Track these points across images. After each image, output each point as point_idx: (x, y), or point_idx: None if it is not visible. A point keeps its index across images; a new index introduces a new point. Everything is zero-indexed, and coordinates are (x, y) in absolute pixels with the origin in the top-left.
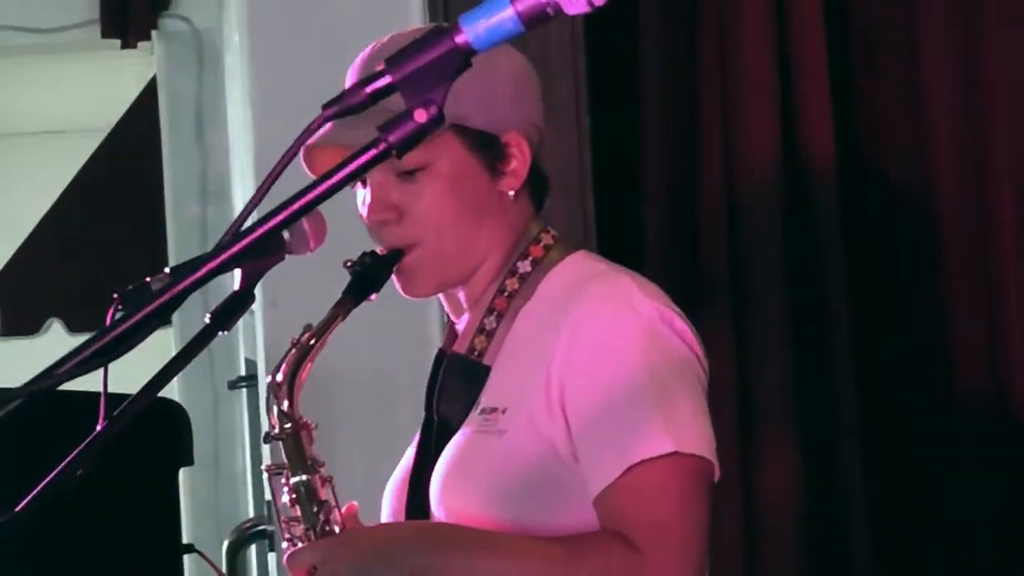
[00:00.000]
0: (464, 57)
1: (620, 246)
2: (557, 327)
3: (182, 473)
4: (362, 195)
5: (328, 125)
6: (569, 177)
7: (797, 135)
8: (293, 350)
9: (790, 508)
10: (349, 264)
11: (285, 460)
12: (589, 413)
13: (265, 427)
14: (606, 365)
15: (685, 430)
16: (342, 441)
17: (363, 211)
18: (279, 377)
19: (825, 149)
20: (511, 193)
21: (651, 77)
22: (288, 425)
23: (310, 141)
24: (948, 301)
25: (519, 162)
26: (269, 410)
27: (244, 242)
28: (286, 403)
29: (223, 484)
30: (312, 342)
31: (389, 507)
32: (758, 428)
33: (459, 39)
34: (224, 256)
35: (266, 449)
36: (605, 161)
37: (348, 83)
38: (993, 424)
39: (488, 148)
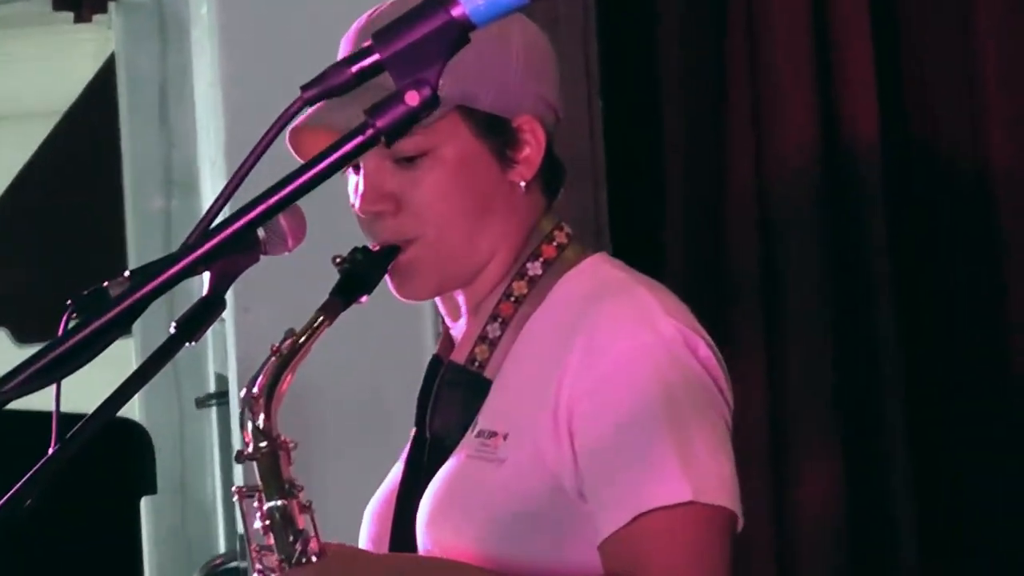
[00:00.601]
0: (461, 32)
1: (636, 243)
2: (568, 344)
3: (144, 502)
4: (354, 182)
5: (319, 104)
6: (579, 166)
7: (837, 116)
8: (272, 358)
9: (829, 525)
10: (338, 261)
11: (259, 482)
12: (599, 447)
13: (238, 446)
14: (620, 393)
15: (706, 475)
16: (323, 462)
17: (355, 201)
18: (255, 389)
19: (869, 132)
20: (522, 184)
21: (671, 52)
22: (264, 444)
23: (298, 122)
24: (1005, 296)
25: (532, 149)
26: (243, 426)
27: (214, 241)
28: (262, 418)
29: (190, 514)
30: (294, 350)
31: (369, 530)
32: (793, 440)
33: (455, 12)
34: (191, 257)
35: (238, 472)
36: (619, 148)
37: (341, 56)
38: None
39: (498, 133)
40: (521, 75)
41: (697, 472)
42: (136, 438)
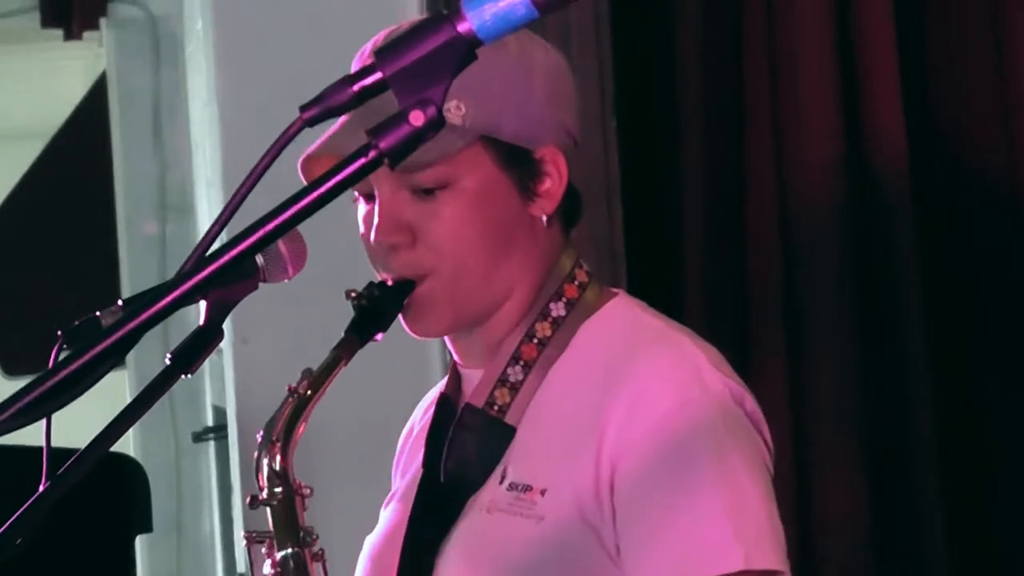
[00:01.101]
0: (468, 48)
1: (653, 265)
2: (610, 395)
3: (139, 541)
4: (363, 211)
5: (337, 125)
6: (593, 186)
7: (862, 131)
8: (290, 399)
9: (855, 546)
10: (353, 296)
11: (271, 528)
12: (643, 505)
13: (236, 481)
14: (668, 449)
15: (758, 539)
16: (327, 507)
17: (366, 230)
18: (274, 433)
19: (895, 146)
20: (544, 218)
21: (689, 67)
22: (279, 489)
23: (311, 149)
24: None
25: (554, 182)
26: (259, 469)
27: (210, 268)
28: (279, 461)
29: (187, 553)
30: (313, 390)
31: (366, 573)
32: (817, 459)
33: (461, 27)
34: (187, 285)
35: (237, 510)
36: (635, 166)
37: None
38: None
39: (521, 164)
40: (543, 103)
41: (750, 536)
42: (131, 474)
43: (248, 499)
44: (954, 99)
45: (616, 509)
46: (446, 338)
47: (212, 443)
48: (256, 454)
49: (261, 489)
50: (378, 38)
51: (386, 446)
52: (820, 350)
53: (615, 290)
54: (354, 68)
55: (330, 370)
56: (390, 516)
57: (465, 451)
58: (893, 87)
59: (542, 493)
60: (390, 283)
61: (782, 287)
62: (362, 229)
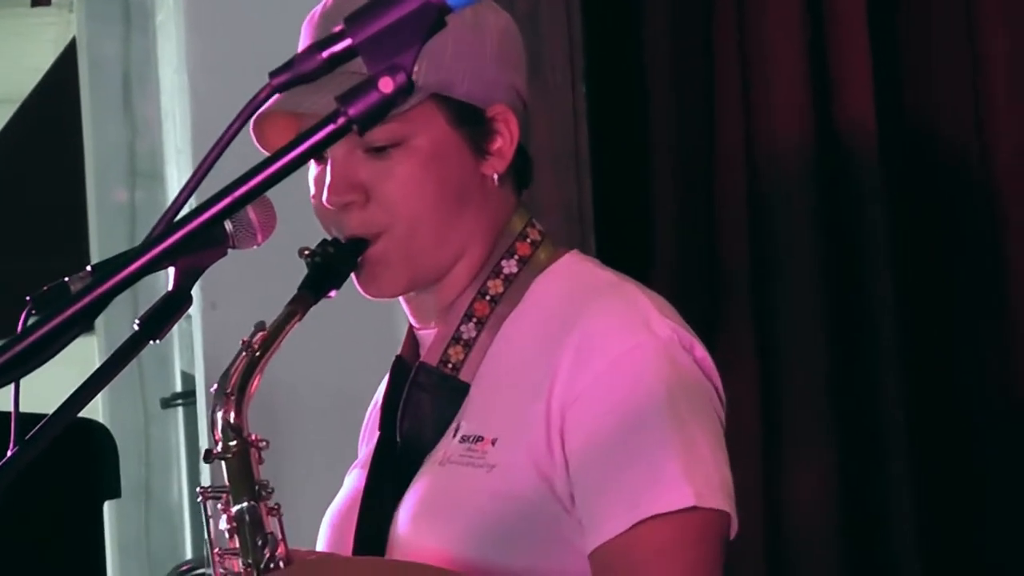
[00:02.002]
0: (438, 15)
1: (622, 234)
2: (559, 345)
3: (108, 506)
4: (315, 173)
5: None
6: (562, 156)
7: (831, 99)
8: (243, 354)
9: (822, 524)
10: (307, 253)
11: (227, 483)
12: (594, 450)
13: (206, 446)
14: (617, 394)
15: (708, 478)
16: (293, 467)
17: (317, 191)
18: (227, 386)
19: (864, 115)
20: (495, 176)
21: (657, 37)
22: (234, 442)
23: (261, 110)
24: (1010, 289)
25: (505, 141)
26: (213, 424)
27: (179, 234)
28: (233, 415)
29: (155, 519)
30: (265, 345)
31: (327, 539)
32: (786, 437)
33: None
34: (156, 251)
35: (205, 475)
36: (604, 136)
37: (303, 44)
38: None
39: (473, 123)
40: (495, 64)
41: (699, 476)
42: (99, 440)
43: (203, 454)
44: (925, 79)
45: (568, 457)
46: (401, 299)
47: (181, 409)
48: (210, 408)
49: (216, 443)
50: (327, 4)
51: (353, 412)
52: (790, 323)
53: (569, 249)
54: (303, 39)
55: (284, 325)
56: (351, 483)
57: (420, 410)
58: (864, 63)
59: (493, 443)
60: (344, 241)
61: (751, 257)
62: (312, 190)
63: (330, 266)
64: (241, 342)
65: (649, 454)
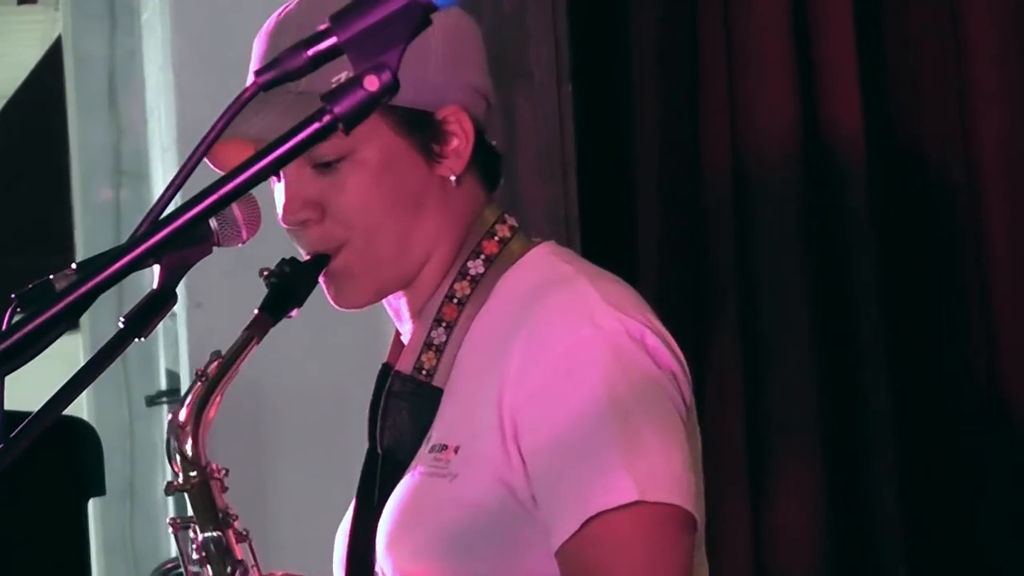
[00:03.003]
0: (423, 13)
1: (609, 238)
2: (508, 346)
3: (92, 504)
4: (278, 191)
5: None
6: (548, 158)
7: (817, 103)
8: (198, 383)
9: (810, 545)
10: (265, 274)
11: (191, 513)
12: (544, 451)
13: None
14: (561, 393)
15: (653, 473)
16: (282, 479)
17: (280, 210)
18: (181, 416)
19: (851, 118)
20: (452, 178)
21: (644, 38)
22: (194, 473)
23: (208, 138)
24: (996, 299)
25: (460, 140)
26: (171, 456)
27: (164, 232)
28: (190, 446)
29: (140, 517)
30: (220, 373)
31: (338, 554)
32: (772, 450)
33: None
34: (141, 248)
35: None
36: (591, 138)
37: (255, 58)
38: None
39: (421, 127)
40: (442, 64)
41: (643, 470)
42: (84, 437)
43: (164, 486)
44: (910, 81)
45: (524, 459)
46: (384, 304)
47: (165, 407)
48: (166, 439)
49: (176, 475)
50: (270, 23)
51: (340, 420)
52: (776, 322)
53: (545, 241)
54: (254, 55)
55: (240, 352)
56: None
57: (399, 420)
58: (850, 70)
59: (456, 451)
60: (306, 259)
61: (736, 255)
62: (278, 209)
63: (289, 286)
64: (196, 372)
65: (593, 451)
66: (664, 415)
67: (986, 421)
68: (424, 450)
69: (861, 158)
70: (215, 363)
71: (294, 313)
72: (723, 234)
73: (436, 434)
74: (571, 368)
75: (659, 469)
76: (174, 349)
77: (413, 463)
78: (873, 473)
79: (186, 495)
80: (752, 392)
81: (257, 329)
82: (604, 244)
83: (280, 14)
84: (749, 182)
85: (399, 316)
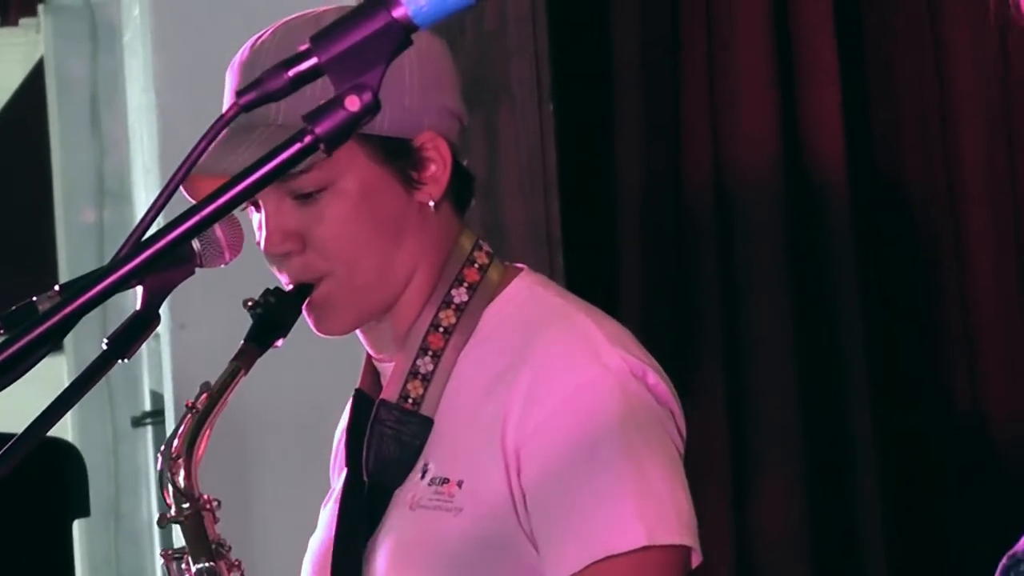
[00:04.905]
0: (403, 33)
1: (590, 257)
2: (511, 382)
3: (77, 525)
4: (258, 220)
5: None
6: (530, 176)
7: (798, 124)
8: (188, 416)
9: (792, 552)
10: (250, 304)
11: (184, 544)
12: (547, 490)
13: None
14: (567, 431)
15: (661, 516)
16: (263, 503)
17: (260, 239)
18: (173, 449)
19: (832, 135)
20: (431, 204)
21: (625, 57)
22: (186, 505)
23: (181, 172)
24: (976, 314)
25: (438, 167)
26: (164, 488)
27: (147, 253)
28: (183, 478)
29: (125, 538)
30: (210, 405)
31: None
32: (755, 462)
33: (397, 13)
34: (123, 270)
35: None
36: (572, 157)
37: (229, 90)
38: None
39: (399, 155)
40: (418, 91)
41: (652, 512)
42: (68, 459)
43: (157, 518)
44: (891, 93)
45: (526, 497)
46: (358, 331)
47: (150, 428)
48: (158, 472)
49: (168, 507)
50: (243, 54)
51: (321, 444)
52: (758, 339)
53: (517, 265)
54: (228, 85)
55: (228, 383)
56: (327, 519)
57: (385, 448)
58: (832, 81)
59: (459, 484)
60: (289, 288)
61: (720, 275)
62: (257, 237)
63: (273, 317)
64: (185, 404)
65: (602, 493)
66: (668, 453)
67: (966, 434)
68: (419, 481)
69: (842, 179)
70: (203, 395)
71: (280, 343)
72: (704, 251)
73: (434, 466)
74: (580, 407)
75: (667, 510)
76: (158, 370)
77: (404, 493)
78: (855, 487)
79: (179, 527)
80: (735, 409)
81: (244, 360)
82: (586, 263)
83: (253, 44)
84: (730, 201)
85: (376, 343)
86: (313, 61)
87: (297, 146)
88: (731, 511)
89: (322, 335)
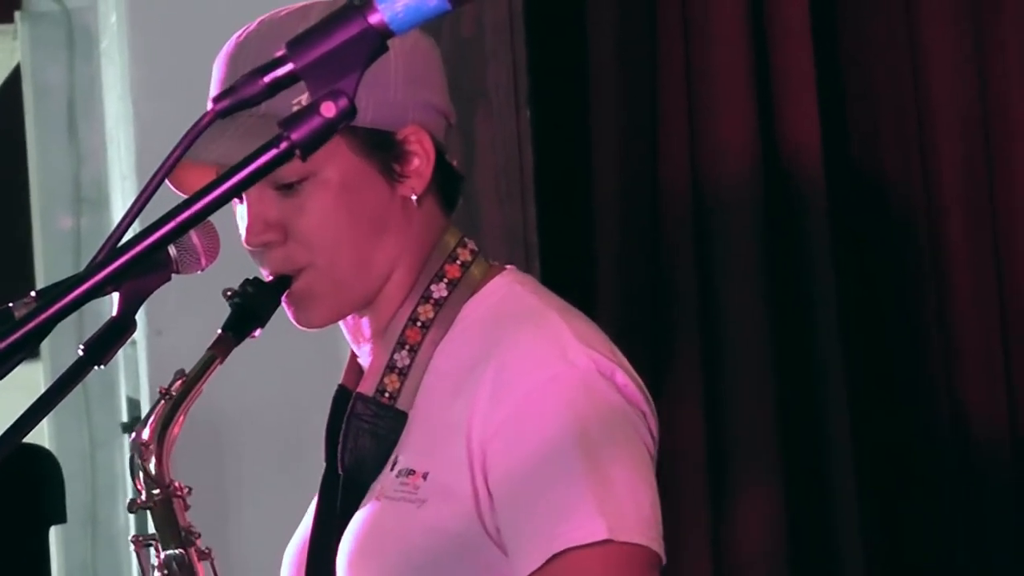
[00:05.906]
0: (379, 40)
1: (567, 261)
2: (478, 378)
3: (54, 532)
4: (240, 212)
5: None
6: (507, 180)
7: (775, 125)
8: (162, 401)
9: (771, 566)
10: (229, 294)
11: (154, 531)
12: (511, 485)
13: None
14: (531, 428)
15: (622, 512)
16: (241, 498)
17: (242, 232)
18: (145, 435)
19: (809, 140)
20: (414, 198)
21: (602, 61)
22: (157, 491)
23: (168, 163)
24: (954, 316)
25: (421, 160)
26: (134, 474)
27: (123, 259)
28: (154, 464)
29: (102, 546)
30: (184, 391)
31: (288, 572)
32: (732, 469)
33: (373, 19)
34: (99, 276)
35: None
36: (549, 161)
37: (215, 82)
38: (1010, 455)
39: (382, 148)
40: (402, 83)
41: (614, 509)
42: (45, 465)
43: (127, 504)
44: (868, 97)
45: (491, 492)
46: (341, 324)
47: (126, 435)
48: (129, 457)
49: (139, 492)
50: (229, 47)
51: (300, 440)
52: (735, 344)
53: (504, 266)
54: (215, 78)
55: (204, 370)
56: (308, 518)
57: (360, 442)
58: (808, 81)
59: (424, 477)
60: (269, 279)
61: (697, 280)
62: (240, 230)
63: (251, 306)
64: (159, 390)
65: (563, 488)
66: (634, 452)
67: (945, 438)
68: (388, 473)
69: (820, 183)
70: (178, 381)
71: (257, 333)
72: (682, 256)
73: (402, 458)
74: (543, 403)
75: (629, 508)
76: (135, 377)
77: (375, 485)
78: (833, 491)
79: (149, 513)
80: (712, 413)
81: (220, 348)
82: (563, 267)
83: (239, 37)
84: (708, 204)
85: (357, 337)
86: (289, 67)
87: (273, 152)
88: (708, 515)
89: (301, 327)
